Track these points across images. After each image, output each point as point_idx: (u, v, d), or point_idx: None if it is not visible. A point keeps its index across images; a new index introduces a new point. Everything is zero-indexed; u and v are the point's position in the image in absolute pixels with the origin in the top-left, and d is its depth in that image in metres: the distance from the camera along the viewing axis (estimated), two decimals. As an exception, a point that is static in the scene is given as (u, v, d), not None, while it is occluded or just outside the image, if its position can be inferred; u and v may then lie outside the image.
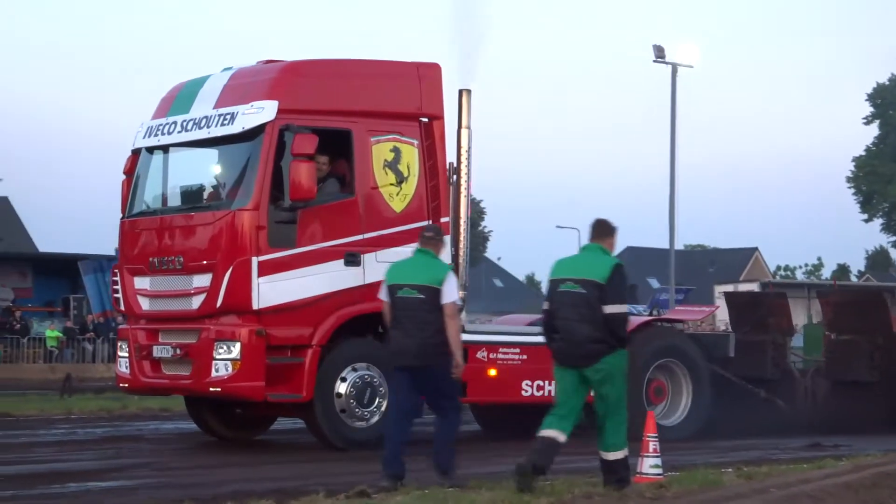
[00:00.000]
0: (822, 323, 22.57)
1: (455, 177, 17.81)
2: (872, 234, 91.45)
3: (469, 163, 17.87)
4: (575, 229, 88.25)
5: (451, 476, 13.21)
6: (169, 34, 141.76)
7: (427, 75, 17.53)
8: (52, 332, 40.06)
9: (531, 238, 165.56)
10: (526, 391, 18.05)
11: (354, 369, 16.68)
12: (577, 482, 12.76)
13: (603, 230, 12.84)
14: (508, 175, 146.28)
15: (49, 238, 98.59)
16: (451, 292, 13.08)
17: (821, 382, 21.54)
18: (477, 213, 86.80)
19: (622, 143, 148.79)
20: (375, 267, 16.62)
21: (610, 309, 12.36)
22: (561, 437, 12.55)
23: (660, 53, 47.96)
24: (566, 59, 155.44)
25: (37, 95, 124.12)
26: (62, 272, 43.54)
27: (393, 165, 17.07)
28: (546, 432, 12.55)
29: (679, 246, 58.66)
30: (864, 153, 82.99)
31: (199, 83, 17.47)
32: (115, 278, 17.89)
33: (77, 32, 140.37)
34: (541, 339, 17.79)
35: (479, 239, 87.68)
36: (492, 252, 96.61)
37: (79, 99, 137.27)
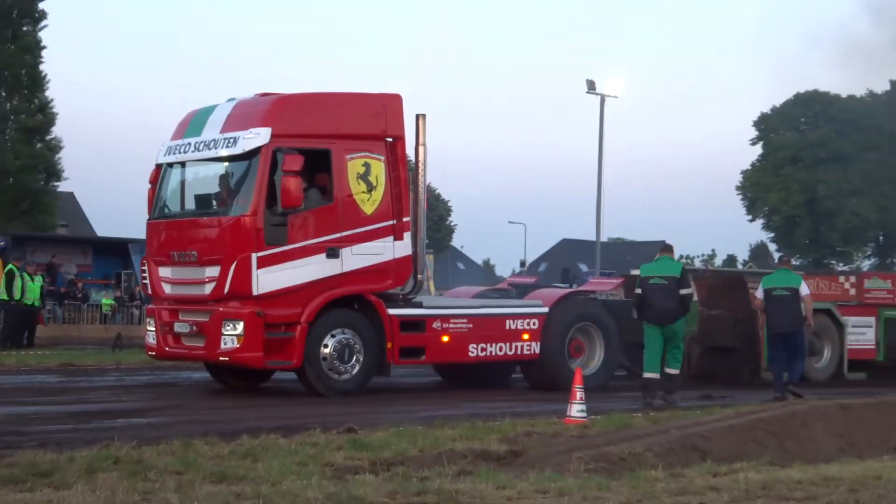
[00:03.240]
0: (697, 300, 22.06)
1: (414, 185, 17.25)
2: (755, 232, 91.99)
3: (425, 172, 17.30)
4: (522, 224, 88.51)
5: (794, 389, 17.55)
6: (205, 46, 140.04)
7: (390, 104, 16.96)
8: (106, 300, 39.39)
9: (487, 230, 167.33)
10: (472, 352, 17.52)
11: (334, 335, 16.19)
12: (519, 423, 12.58)
13: (669, 248, 17.41)
14: (470, 179, 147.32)
15: (105, 224, 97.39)
16: (804, 290, 17.95)
17: (695, 348, 21.10)
18: (445, 209, 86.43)
19: (561, 156, 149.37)
20: (351, 258, 16.36)
21: (684, 291, 16.61)
22: (656, 375, 16.49)
23: (591, 86, 47.58)
24: (519, 88, 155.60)
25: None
26: (116, 252, 42.82)
27: (364, 177, 16.53)
28: (648, 374, 16.52)
29: (604, 238, 58.46)
30: (750, 167, 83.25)
31: (208, 111, 16.88)
32: (143, 268, 17.49)
33: (130, 30, 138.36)
34: (484, 310, 17.78)
35: (445, 230, 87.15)
36: (456, 241, 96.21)
37: (119, 98, 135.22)
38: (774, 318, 17.87)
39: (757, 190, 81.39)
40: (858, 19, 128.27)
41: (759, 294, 18.18)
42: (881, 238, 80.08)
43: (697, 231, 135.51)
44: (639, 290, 16.88)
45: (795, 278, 18.18)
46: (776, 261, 19.50)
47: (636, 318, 17.27)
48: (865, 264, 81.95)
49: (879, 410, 13.09)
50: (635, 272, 25.77)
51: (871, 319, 21.85)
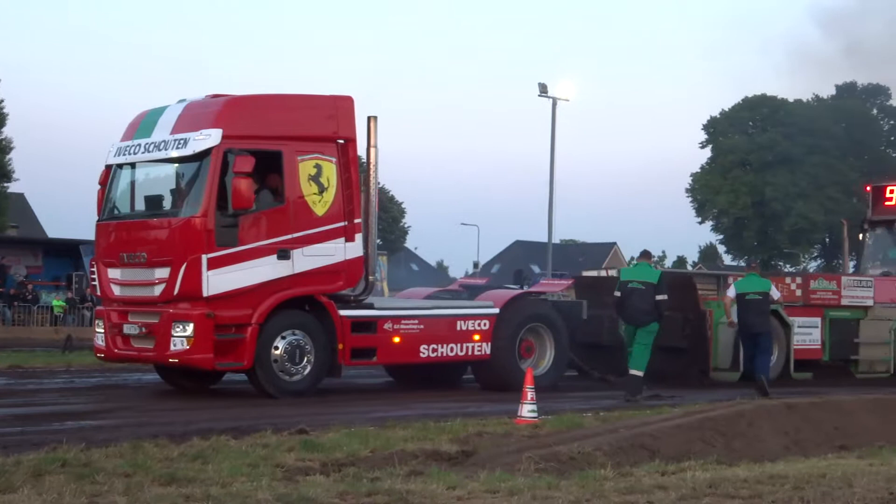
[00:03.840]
0: None
1: (365, 186, 17.18)
2: (704, 233, 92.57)
3: (376, 174, 17.26)
4: (475, 226, 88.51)
5: (766, 384, 17.89)
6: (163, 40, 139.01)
7: (342, 105, 16.86)
8: (57, 301, 39.02)
9: (441, 232, 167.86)
10: (423, 353, 17.47)
11: (285, 336, 16.09)
12: (471, 423, 12.58)
13: (647, 254, 18.88)
14: (424, 182, 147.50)
15: (56, 225, 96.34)
16: (775, 294, 19.22)
17: None
18: (399, 211, 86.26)
19: (514, 158, 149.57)
20: (302, 260, 16.24)
21: (659, 297, 17.34)
22: (639, 373, 17.23)
23: (543, 90, 47.89)
24: (472, 91, 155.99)
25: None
26: (67, 253, 42.48)
27: (316, 178, 16.41)
28: (633, 371, 17.27)
29: (556, 240, 58.80)
30: (699, 170, 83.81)
31: (158, 112, 16.69)
32: (92, 269, 17.26)
33: (85, 27, 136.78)
34: (435, 311, 17.74)
35: (399, 232, 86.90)
36: (410, 242, 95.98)
37: (72, 104, 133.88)
38: (748, 319, 18.80)
39: (706, 192, 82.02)
40: (806, 27, 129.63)
41: (731, 293, 19.06)
42: (827, 240, 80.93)
43: (648, 233, 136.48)
44: (618, 293, 17.71)
45: (765, 283, 19.24)
46: (746, 265, 20.21)
47: (617, 318, 18.11)
48: (812, 266, 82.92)
49: (824, 410, 13.20)
50: (588, 273, 25.78)
51: (817, 320, 22.02)
